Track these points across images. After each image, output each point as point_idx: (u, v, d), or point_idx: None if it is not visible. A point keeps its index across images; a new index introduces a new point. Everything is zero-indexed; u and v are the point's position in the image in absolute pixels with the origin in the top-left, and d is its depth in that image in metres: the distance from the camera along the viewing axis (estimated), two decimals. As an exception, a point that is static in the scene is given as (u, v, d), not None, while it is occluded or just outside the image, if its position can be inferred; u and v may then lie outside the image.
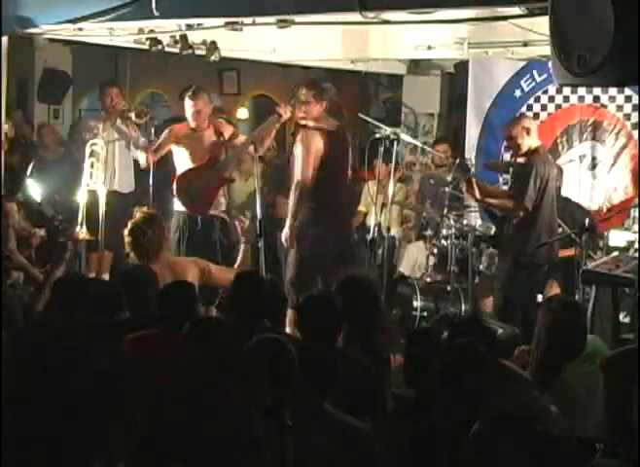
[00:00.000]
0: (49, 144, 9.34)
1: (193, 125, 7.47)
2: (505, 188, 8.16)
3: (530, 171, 6.79)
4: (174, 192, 7.47)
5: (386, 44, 8.81)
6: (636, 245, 7.00)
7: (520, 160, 7.22)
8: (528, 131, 6.95)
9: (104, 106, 8.53)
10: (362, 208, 9.50)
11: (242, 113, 12.42)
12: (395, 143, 7.45)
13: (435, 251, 8.30)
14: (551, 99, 9.09)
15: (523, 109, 9.18)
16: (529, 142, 6.94)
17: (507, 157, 9.22)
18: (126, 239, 6.02)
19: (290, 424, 3.35)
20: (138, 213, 6.19)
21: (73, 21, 7.11)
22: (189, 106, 7.43)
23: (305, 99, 7.00)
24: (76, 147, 8.44)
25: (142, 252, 5.94)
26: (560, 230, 7.23)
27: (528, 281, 6.91)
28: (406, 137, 8.10)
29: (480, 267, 8.07)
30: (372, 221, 7.51)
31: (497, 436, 2.80)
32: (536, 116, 8.93)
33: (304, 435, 3.34)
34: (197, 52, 7.90)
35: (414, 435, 3.57)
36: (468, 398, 3.55)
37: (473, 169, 7.52)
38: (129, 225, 6.04)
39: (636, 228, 7.30)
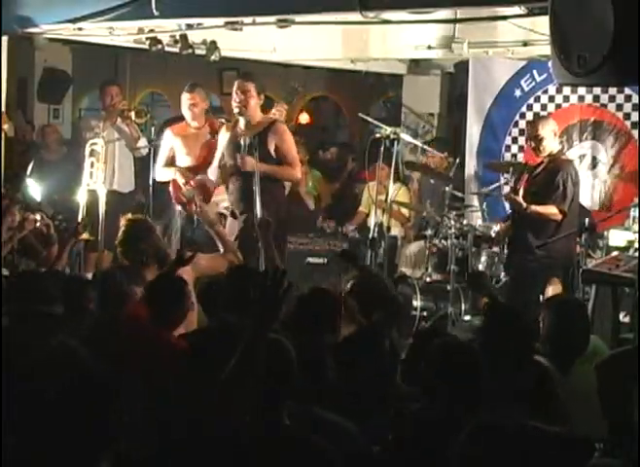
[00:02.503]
0: (51, 144, 9.34)
1: (189, 119, 7.41)
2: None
3: (566, 177, 6.83)
4: (171, 193, 7.45)
5: (386, 43, 8.82)
6: (636, 245, 6.99)
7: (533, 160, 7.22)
8: (555, 135, 6.97)
9: (104, 105, 8.53)
10: (363, 209, 9.50)
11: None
12: (395, 143, 7.45)
13: (435, 251, 8.30)
14: (552, 99, 9.09)
15: (523, 109, 9.19)
16: (553, 145, 6.94)
17: (507, 156, 9.25)
18: (119, 249, 5.93)
19: (288, 424, 3.35)
20: (126, 220, 6.06)
21: (73, 21, 7.11)
22: (185, 99, 7.38)
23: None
24: (77, 147, 8.44)
25: (135, 261, 5.84)
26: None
27: (542, 281, 6.90)
28: (406, 137, 8.10)
29: (480, 266, 8.07)
30: (372, 221, 7.50)
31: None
32: (536, 116, 8.94)
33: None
34: (197, 51, 7.90)
35: (414, 433, 3.57)
36: (461, 397, 3.55)
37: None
38: (120, 235, 5.93)
39: (636, 227, 7.29)
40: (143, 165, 8.51)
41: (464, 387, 3.58)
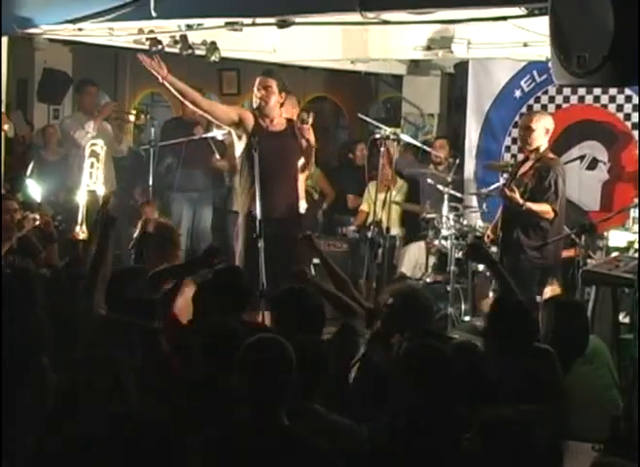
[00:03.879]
0: (51, 145, 9.35)
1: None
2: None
3: (557, 177, 6.82)
4: None
5: (386, 44, 8.81)
6: (636, 245, 7.00)
7: (520, 157, 7.21)
8: (547, 132, 6.95)
9: (83, 105, 8.52)
10: (364, 208, 9.49)
11: (242, 113, 12.39)
12: (395, 143, 7.45)
13: (435, 251, 8.30)
14: (552, 100, 9.10)
15: (523, 109, 9.19)
16: (541, 142, 6.93)
17: (507, 157, 9.26)
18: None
19: (287, 424, 3.36)
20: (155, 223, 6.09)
21: (73, 22, 7.09)
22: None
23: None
24: (78, 148, 8.43)
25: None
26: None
27: (534, 282, 6.89)
28: (405, 137, 8.09)
29: (480, 267, 8.07)
30: (371, 221, 7.51)
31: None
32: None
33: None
34: (197, 52, 7.90)
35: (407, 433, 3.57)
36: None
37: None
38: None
39: (636, 228, 7.30)
40: (141, 166, 8.53)
41: (463, 388, 3.59)
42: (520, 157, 8.82)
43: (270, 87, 6.69)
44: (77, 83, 8.90)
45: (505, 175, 8.60)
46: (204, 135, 8.25)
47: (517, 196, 6.81)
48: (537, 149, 6.93)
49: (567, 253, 7.25)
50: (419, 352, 3.75)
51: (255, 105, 6.74)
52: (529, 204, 6.82)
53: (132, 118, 8.42)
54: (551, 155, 7.09)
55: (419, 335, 4.52)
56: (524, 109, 9.19)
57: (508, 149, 9.39)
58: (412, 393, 3.62)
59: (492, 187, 8.44)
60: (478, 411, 3.37)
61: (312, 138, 6.69)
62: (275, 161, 6.58)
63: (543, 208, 6.82)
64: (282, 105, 6.80)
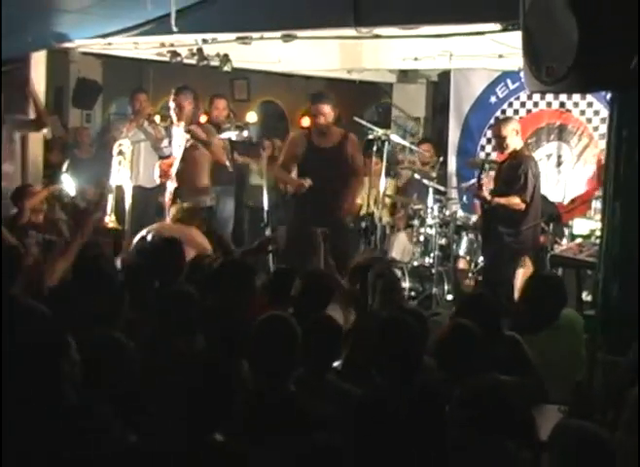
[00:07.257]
0: (84, 145, 9.35)
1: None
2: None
3: (527, 170, 6.75)
4: None
5: (378, 55, 8.77)
6: (597, 233, 6.99)
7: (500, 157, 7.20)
8: (517, 133, 6.90)
9: (133, 109, 8.54)
10: (358, 201, 9.48)
11: (251, 117, 12.36)
12: (386, 143, 7.45)
13: (421, 238, 8.30)
14: (523, 105, 9.10)
15: (498, 113, 9.20)
16: (515, 143, 6.89)
17: (482, 155, 9.25)
18: None
19: (294, 390, 3.36)
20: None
21: (103, 36, 7.10)
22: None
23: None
24: (107, 147, 8.42)
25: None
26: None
27: (512, 265, 6.86)
28: (395, 138, 8.08)
29: (461, 252, 8.07)
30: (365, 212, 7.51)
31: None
32: (505, 119, 8.93)
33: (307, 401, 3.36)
34: (212, 63, 7.87)
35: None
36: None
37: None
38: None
39: (597, 217, 7.29)
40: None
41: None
42: (494, 155, 8.87)
43: (327, 112, 7.05)
44: (130, 91, 8.92)
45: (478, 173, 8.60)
46: (220, 137, 8.21)
47: (485, 194, 6.79)
48: (514, 150, 6.89)
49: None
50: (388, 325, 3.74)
51: (316, 130, 7.12)
52: (497, 199, 6.78)
53: (158, 119, 8.38)
54: (526, 152, 7.07)
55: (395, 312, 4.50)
56: (499, 113, 9.19)
57: (482, 148, 9.41)
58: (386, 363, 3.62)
59: (469, 182, 8.43)
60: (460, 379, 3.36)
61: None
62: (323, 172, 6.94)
63: (512, 201, 6.75)
64: (337, 122, 7.22)
